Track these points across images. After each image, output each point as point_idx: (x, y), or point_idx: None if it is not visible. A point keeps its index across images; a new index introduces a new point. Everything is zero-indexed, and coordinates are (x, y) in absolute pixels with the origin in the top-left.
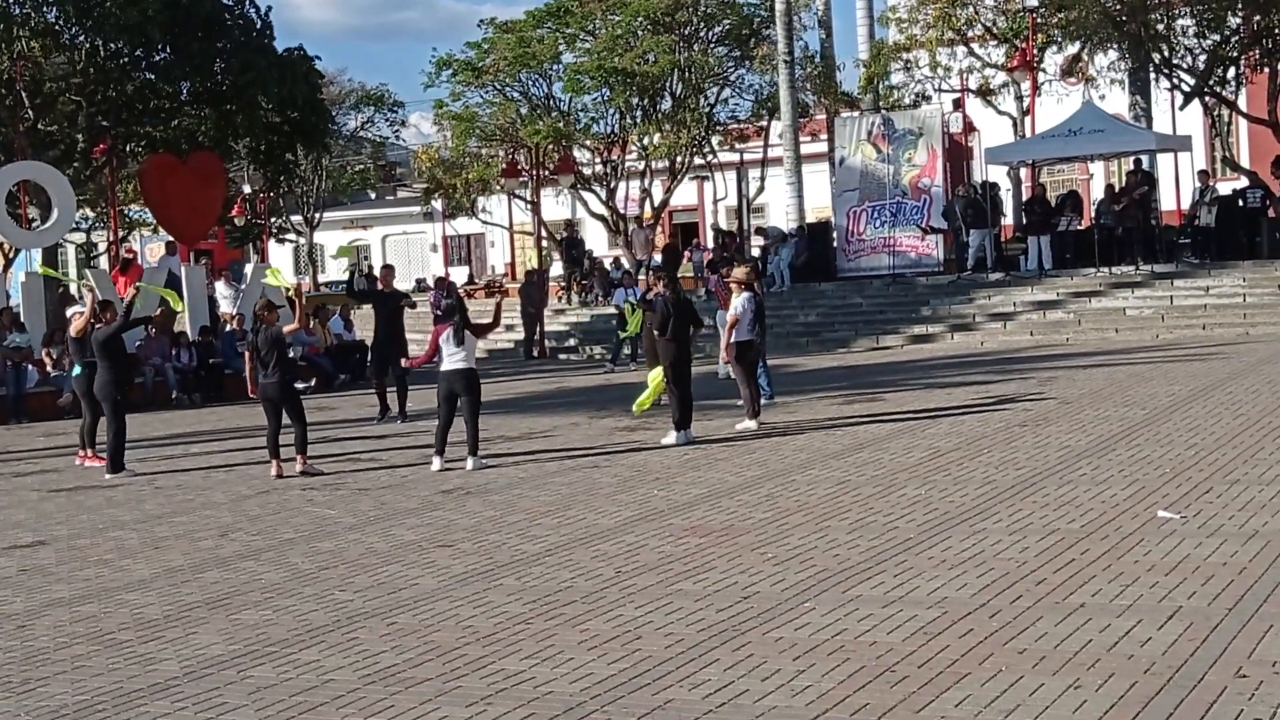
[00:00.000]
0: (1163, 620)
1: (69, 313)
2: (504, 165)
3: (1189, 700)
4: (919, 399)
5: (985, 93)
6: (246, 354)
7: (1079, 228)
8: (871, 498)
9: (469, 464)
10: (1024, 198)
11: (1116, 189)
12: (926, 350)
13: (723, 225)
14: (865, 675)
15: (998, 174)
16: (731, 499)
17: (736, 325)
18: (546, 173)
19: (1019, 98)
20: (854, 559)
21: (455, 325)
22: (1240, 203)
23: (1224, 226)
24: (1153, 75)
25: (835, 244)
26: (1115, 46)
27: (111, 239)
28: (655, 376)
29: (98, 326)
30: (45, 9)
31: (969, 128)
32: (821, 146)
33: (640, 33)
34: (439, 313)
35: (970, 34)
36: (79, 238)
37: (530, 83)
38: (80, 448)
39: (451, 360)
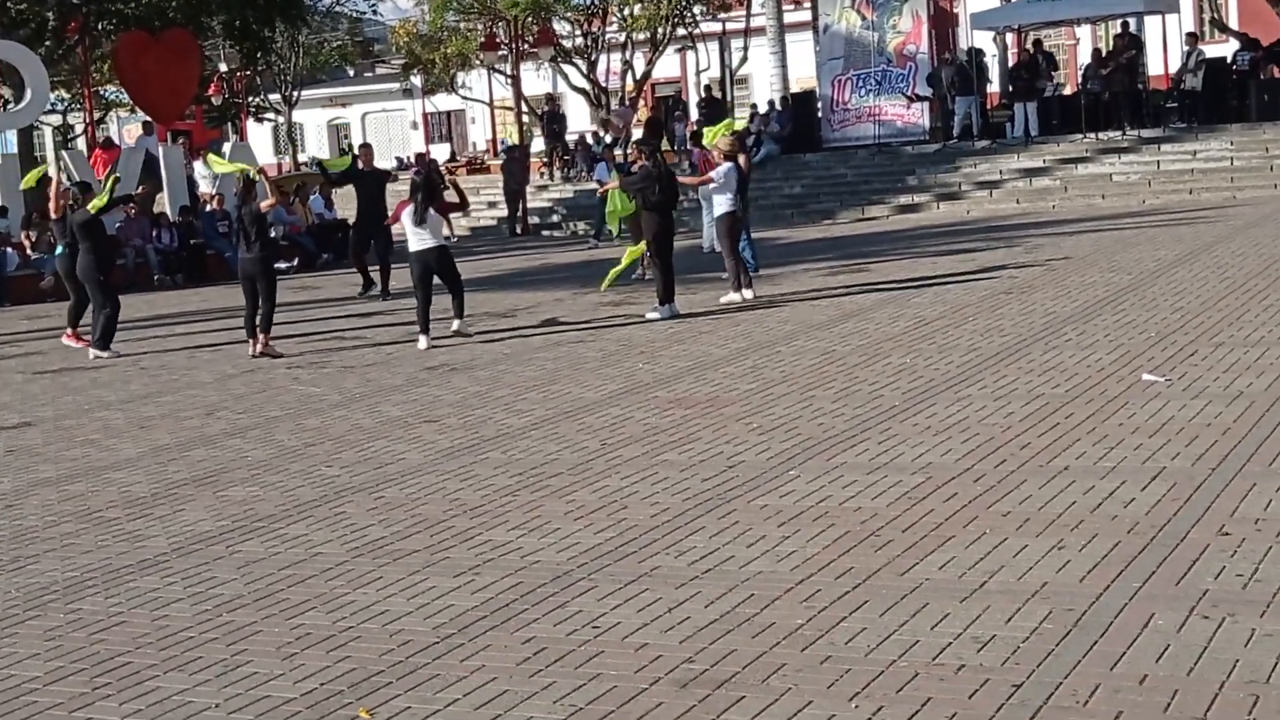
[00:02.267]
0: (1146, 481)
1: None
2: (483, 39)
3: (1171, 558)
4: (904, 269)
5: None
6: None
7: (1065, 93)
8: (856, 367)
9: (454, 324)
10: (1010, 64)
11: (1103, 54)
12: (912, 220)
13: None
14: (850, 540)
15: (984, 40)
16: (716, 371)
17: (720, 196)
18: (526, 46)
19: None
20: (839, 427)
21: (418, 203)
22: (1230, 65)
23: (1212, 90)
24: None
25: (820, 114)
26: None
27: (88, 120)
28: (633, 252)
29: (75, 208)
30: None
31: None
32: (805, 15)
33: None
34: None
35: None
36: (55, 119)
37: None
38: (69, 328)
39: (419, 240)
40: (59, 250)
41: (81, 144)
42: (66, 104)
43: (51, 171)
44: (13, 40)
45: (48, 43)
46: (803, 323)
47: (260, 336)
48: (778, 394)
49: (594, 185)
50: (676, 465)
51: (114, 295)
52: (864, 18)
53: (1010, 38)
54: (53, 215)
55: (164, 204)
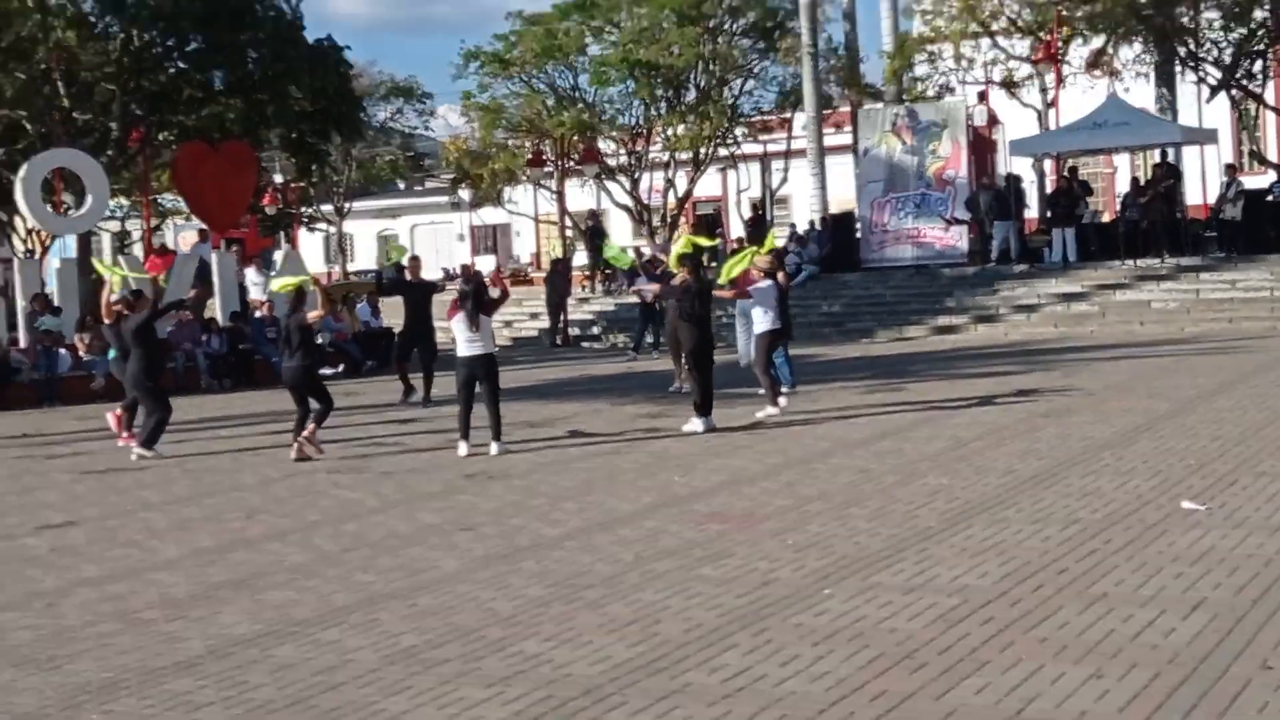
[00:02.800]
0: (1187, 611)
1: (114, 298)
2: (530, 156)
3: (1213, 692)
4: (942, 389)
5: (1010, 85)
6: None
7: (1103, 220)
8: (893, 486)
9: (493, 449)
10: (1048, 190)
11: (1142, 182)
12: (950, 341)
13: (746, 213)
14: (885, 661)
15: (1022, 166)
16: (752, 486)
17: (759, 312)
18: (571, 163)
19: (1043, 90)
20: (875, 546)
21: (468, 310)
22: (1268, 196)
23: (1250, 220)
24: (1178, 68)
25: (859, 235)
26: (1141, 39)
27: (145, 226)
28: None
29: (128, 315)
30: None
31: (993, 120)
32: (845, 138)
33: (666, 25)
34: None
35: (995, 26)
36: (113, 225)
37: (556, 74)
38: (118, 414)
39: (468, 345)
40: (111, 354)
41: (138, 249)
42: (125, 211)
43: (107, 275)
44: (77, 148)
45: (110, 151)
46: (839, 440)
47: (308, 427)
48: (813, 511)
49: (634, 299)
50: (711, 580)
51: (165, 401)
52: (904, 142)
53: (1049, 164)
54: (105, 320)
55: (215, 309)
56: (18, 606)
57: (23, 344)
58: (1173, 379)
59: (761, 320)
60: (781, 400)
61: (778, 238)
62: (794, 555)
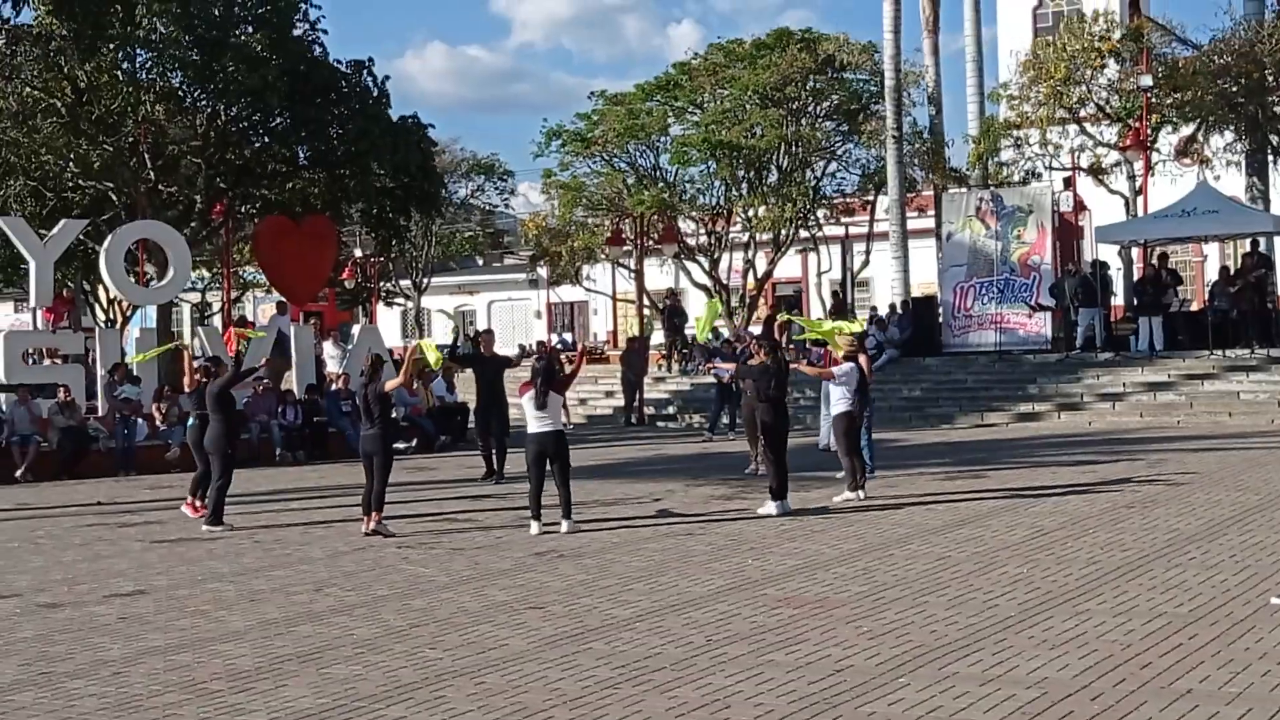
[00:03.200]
0: (1274, 709)
1: (195, 364)
2: (609, 234)
3: None
4: (1023, 477)
5: (1097, 171)
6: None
7: (1191, 309)
8: (971, 575)
9: (563, 526)
10: (1135, 278)
11: (1231, 271)
12: (1032, 429)
13: (827, 296)
14: None
15: (1108, 253)
16: (827, 571)
17: (839, 394)
18: (651, 242)
19: (1131, 177)
20: (951, 636)
21: (537, 387)
22: None
23: None
24: (1270, 157)
25: (941, 319)
26: (1232, 128)
27: (225, 299)
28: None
29: (209, 381)
30: (170, 74)
31: (1079, 206)
32: (928, 222)
33: (748, 107)
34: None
35: (1082, 112)
36: (194, 297)
37: (638, 154)
38: (190, 496)
39: (538, 423)
40: (190, 421)
41: (217, 321)
42: (206, 283)
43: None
44: (161, 220)
45: (193, 224)
46: (917, 526)
47: (373, 514)
48: (889, 598)
49: (710, 378)
50: (783, 666)
51: (231, 469)
52: (988, 227)
53: (1136, 252)
54: (186, 388)
55: (291, 382)
56: (85, 674)
57: (101, 412)
58: (1261, 472)
59: (840, 402)
60: (860, 492)
61: (858, 320)
62: (868, 642)
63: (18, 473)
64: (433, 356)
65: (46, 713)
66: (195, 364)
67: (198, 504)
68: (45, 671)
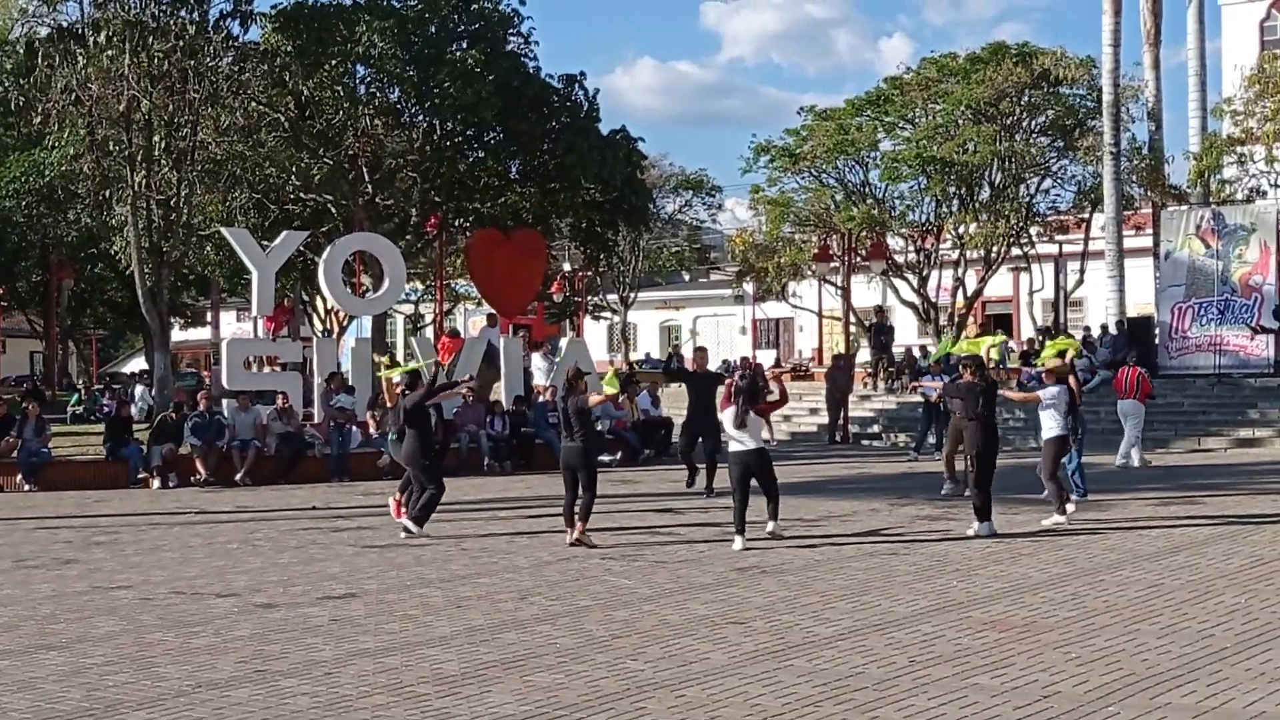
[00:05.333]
0: None
1: (395, 379)
2: (816, 250)
3: None
4: (1242, 504)
5: None
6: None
7: None
8: (1185, 603)
9: (770, 526)
10: None
11: None
12: (1252, 454)
13: (1039, 317)
14: None
15: None
16: (1035, 595)
17: (1049, 418)
18: (858, 259)
19: None
20: (1164, 665)
21: (739, 406)
22: None
23: None
24: None
25: (1157, 340)
26: None
27: (438, 310)
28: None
29: (407, 394)
30: (388, 89)
31: None
32: (1145, 240)
33: (961, 122)
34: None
35: None
36: (407, 308)
37: (846, 169)
38: (400, 494)
39: (739, 442)
40: (391, 436)
41: (429, 332)
42: (420, 294)
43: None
44: (378, 233)
45: (408, 236)
46: (1129, 552)
47: (578, 525)
48: (1099, 624)
49: (917, 397)
50: (987, 690)
51: (440, 478)
52: (1208, 246)
53: None
54: (387, 404)
55: (499, 393)
56: (298, 674)
57: (317, 419)
58: None
59: (1051, 426)
60: (1069, 507)
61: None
62: (1077, 669)
63: (238, 476)
64: (610, 389)
65: (261, 709)
66: (395, 380)
67: (403, 505)
68: (261, 670)
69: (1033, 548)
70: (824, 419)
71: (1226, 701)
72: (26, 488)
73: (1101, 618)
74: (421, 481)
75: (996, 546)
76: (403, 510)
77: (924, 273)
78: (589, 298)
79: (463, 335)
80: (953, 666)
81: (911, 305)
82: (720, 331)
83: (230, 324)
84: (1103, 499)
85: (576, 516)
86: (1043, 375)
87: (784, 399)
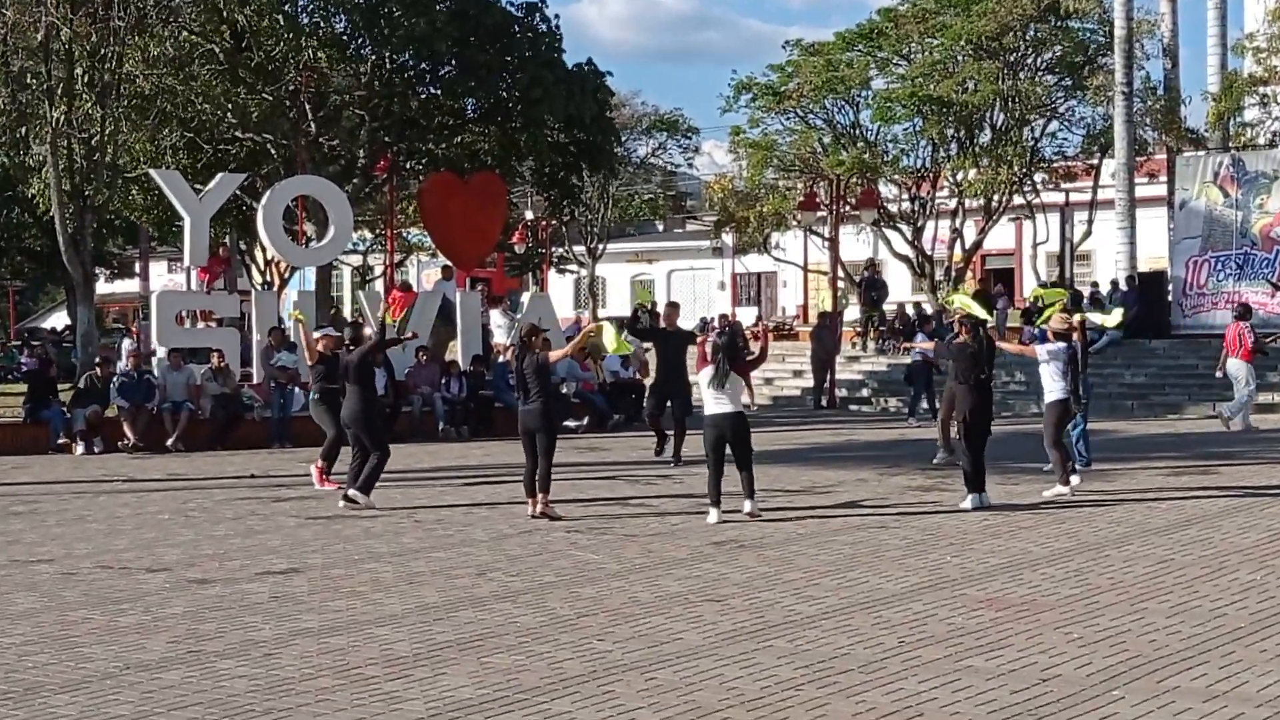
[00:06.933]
0: None
1: (315, 335)
2: (802, 198)
3: None
4: (1259, 474)
5: None
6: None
7: None
8: (1197, 580)
9: (746, 506)
10: None
11: None
12: (1273, 420)
13: (1043, 274)
14: None
15: None
16: (1034, 571)
17: (1050, 378)
18: (848, 208)
19: None
20: (1173, 646)
21: (719, 365)
22: None
23: None
24: None
25: (1170, 297)
26: None
27: (388, 262)
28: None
29: (350, 349)
30: (334, 18)
31: None
32: (1159, 189)
33: (961, 59)
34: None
35: None
36: (355, 259)
37: (836, 110)
38: (321, 461)
39: (716, 404)
40: (313, 395)
41: (379, 285)
42: (368, 244)
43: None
44: (322, 175)
45: (355, 180)
46: (1137, 525)
47: (539, 496)
48: (1103, 603)
49: (908, 358)
50: (982, 673)
51: (385, 443)
52: (1227, 194)
53: None
54: (309, 361)
55: (456, 352)
56: (235, 654)
57: (256, 380)
58: None
59: (1053, 388)
60: (1073, 479)
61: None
62: (1078, 650)
63: (169, 441)
64: (612, 343)
65: (195, 693)
66: (319, 335)
67: (326, 473)
68: (195, 650)
69: (1033, 520)
70: (808, 382)
71: (1239, 685)
72: None
73: (1106, 595)
74: (365, 445)
75: (994, 519)
76: (325, 478)
77: (919, 223)
78: (553, 249)
79: (415, 289)
80: (945, 648)
81: (905, 258)
82: (696, 287)
83: (161, 275)
84: (1109, 468)
85: (537, 487)
86: (1046, 333)
87: (764, 356)
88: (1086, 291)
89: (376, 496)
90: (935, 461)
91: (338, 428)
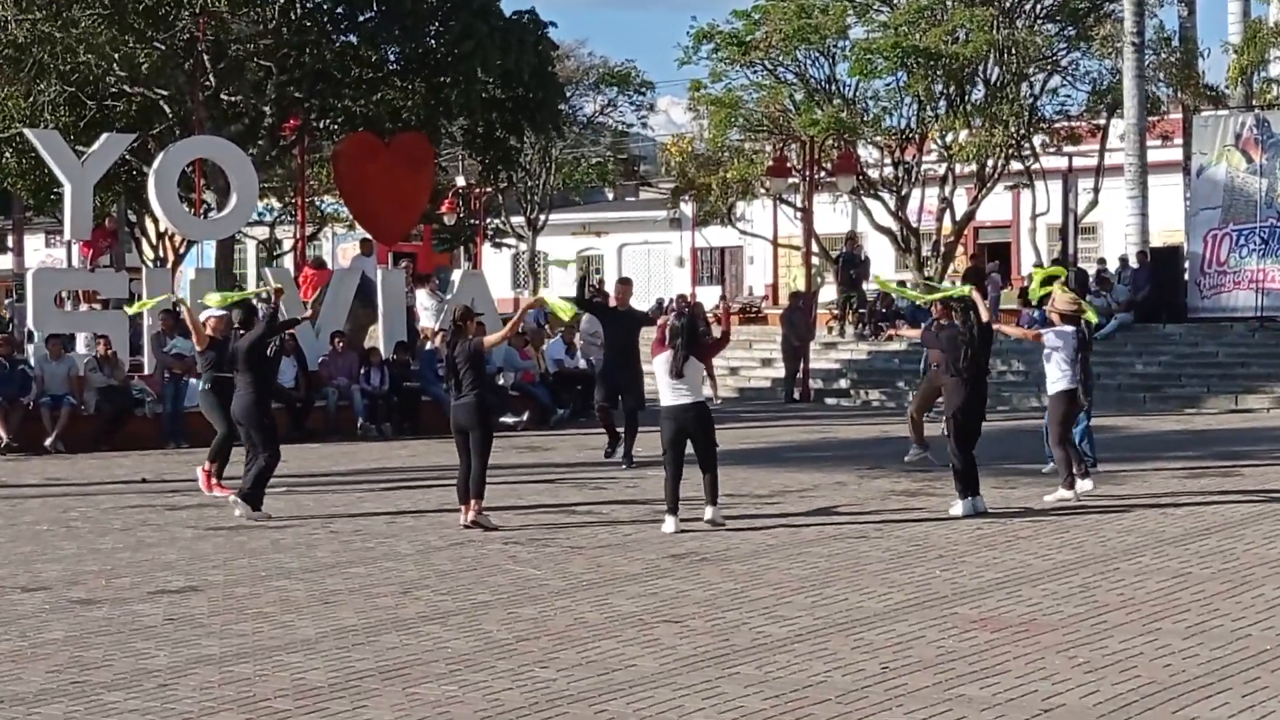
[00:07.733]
0: None
1: (202, 316)
2: (771, 162)
3: None
4: None
5: None
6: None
7: None
8: (1217, 596)
9: (708, 513)
10: None
11: None
12: None
13: (1042, 249)
14: None
15: None
16: (1034, 587)
17: (1055, 366)
18: (823, 174)
19: None
20: (1190, 671)
21: (676, 351)
22: None
23: None
24: None
25: (1187, 276)
26: None
27: (299, 235)
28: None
29: (240, 333)
30: None
31: None
32: (1175, 153)
33: (950, 4)
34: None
35: None
36: (261, 232)
37: (809, 62)
38: (208, 463)
39: (674, 394)
40: (202, 386)
41: (289, 261)
42: (276, 215)
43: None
44: (222, 136)
45: (261, 142)
46: (1150, 535)
47: (473, 503)
48: (1112, 623)
49: (892, 346)
50: (976, 703)
51: (276, 443)
52: (1250, 160)
53: None
54: (198, 346)
55: (377, 338)
56: (125, 685)
57: (147, 370)
58: None
59: (1057, 378)
60: (1083, 483)
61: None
62: (1084, 676)
63: (48, 441)
64: (565, 312)
65: None
66: (204, 317)
67: (214, 475)
68: (78, 681)
69: (1033, 529)
70: (779, 372)
71: (1266, 715)
72: None
73: (1115, 615)
74: (256, 444)
75: (988, 528)
76: (216, 482)
77: (903, 191)
78: (488, 220)
79: (330, 266)
80: (933, 674)
81: (887, 231)
82: (651, 263)
83: (38, 250)
84: (1117, 470)
85: (471, 493)
86: (1049, 315)
87: (727, 339)
88: (1093, 270)
89: (285, 503)
90: (906, 460)
91: (228, 424)
